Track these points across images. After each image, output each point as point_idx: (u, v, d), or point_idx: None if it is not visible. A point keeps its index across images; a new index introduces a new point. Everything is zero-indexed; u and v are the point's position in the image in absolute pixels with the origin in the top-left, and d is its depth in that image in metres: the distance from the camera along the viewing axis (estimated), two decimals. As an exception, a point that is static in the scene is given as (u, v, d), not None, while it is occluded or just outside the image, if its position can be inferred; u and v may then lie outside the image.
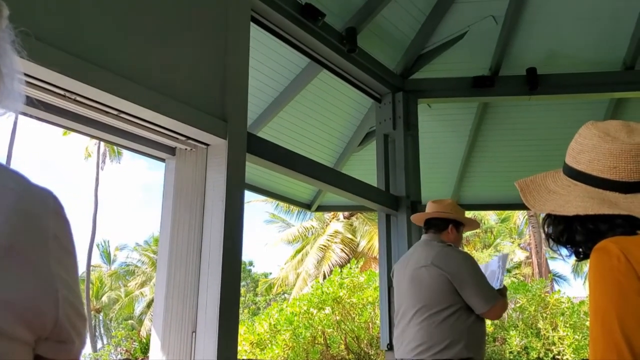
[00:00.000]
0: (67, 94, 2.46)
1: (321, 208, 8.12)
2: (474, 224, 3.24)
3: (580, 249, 1.05)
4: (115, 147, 24.94)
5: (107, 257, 32.05)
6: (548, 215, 1.08)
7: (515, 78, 5.19)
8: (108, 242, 40.09)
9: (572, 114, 5.80)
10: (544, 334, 11.04)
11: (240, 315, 6.75)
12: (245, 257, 41.43)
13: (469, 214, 21.08)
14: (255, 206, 38.87)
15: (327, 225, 21.16)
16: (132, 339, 12.06)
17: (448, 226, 2.85)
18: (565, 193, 1.05)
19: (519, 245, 23.60)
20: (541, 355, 10.73)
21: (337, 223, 20.75)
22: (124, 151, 26.32)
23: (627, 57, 5.13)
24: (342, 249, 20.05)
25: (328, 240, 20.37)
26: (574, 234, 1.04)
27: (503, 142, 6.53)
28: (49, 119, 2.68)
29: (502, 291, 2.78)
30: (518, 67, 5.18)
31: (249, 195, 23.94)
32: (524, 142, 6.41)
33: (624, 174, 1.00)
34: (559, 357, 10.69)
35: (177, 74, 3.01)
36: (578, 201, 1.01)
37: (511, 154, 6.59)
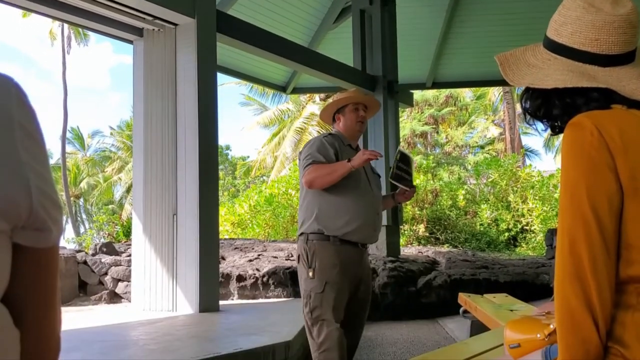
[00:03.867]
0: (20, -29, 2.29)
1: (297, 90, 8.03)
2: (356, 97, 2.91)
3: (557, 123, 1.06)
4: (80, 30, 23.85)
5: (81, 143, 31.78)
6: (527, 89, 1.08)
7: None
8: (79, 128, 39.63)
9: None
10: (514, 207, 11.52)
11: (220, 198, 6.86)
12: (222, 141, 41.49)
13: (445, 92, 20.79)
14: (229, 88, 38.31)
15: (303, 108, 21.05)
16: (113, 223, 12.30)
17: (332, 117, 2.98)
18: (545, 67, 1.04)
19: (492, 121, 23.89)
20: (510, 226, 11.27)
21: (313, 105, 20.63)
22: (90, 33, 25.23)
23: None
24: (318, 132, 20.11)
25: (304, 123, 20.37)
26: (551, 107, 1.04)
27: (482, 17, 6.38)
28: (3, -1, 2.52)
29: (401, 183, 2.83)
30: None
31: (221, 77, 23.49)
32: (504, 16, 6.27)
33: (605, 46, 0.99)
34: (527, 227, 11.24)
35: (138, -54, 2.81)
36: (557, 74, 1.00)
37: (490, 29, 6.47)
